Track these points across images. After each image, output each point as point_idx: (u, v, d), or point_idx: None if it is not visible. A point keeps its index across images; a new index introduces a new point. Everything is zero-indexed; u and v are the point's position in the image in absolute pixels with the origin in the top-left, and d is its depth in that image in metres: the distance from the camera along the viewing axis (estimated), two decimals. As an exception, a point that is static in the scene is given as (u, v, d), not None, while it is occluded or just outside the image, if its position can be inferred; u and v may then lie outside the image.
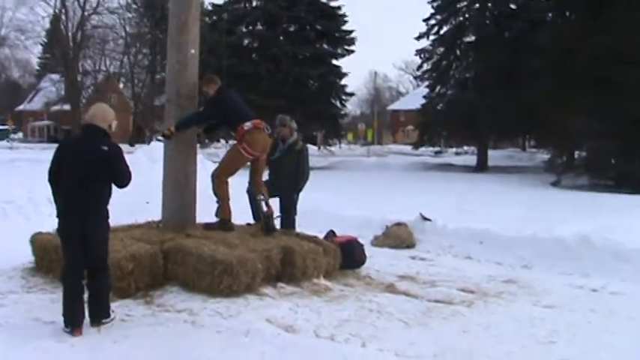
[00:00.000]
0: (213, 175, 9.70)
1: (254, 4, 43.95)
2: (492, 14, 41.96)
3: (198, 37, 9.77)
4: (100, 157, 6.51)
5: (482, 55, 39.86)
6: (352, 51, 43.73)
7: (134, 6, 69.64)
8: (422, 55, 44.83)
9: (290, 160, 10.88)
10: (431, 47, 44.08)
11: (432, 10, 43.48)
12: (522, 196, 22.02)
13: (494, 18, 41.65)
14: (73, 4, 64.50)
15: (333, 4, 43.57)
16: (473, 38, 42.62)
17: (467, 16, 42.82)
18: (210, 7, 44.26)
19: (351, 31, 43.51)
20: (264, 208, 9.80)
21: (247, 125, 9.39)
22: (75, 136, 6.82)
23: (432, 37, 43.66)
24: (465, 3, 42.78)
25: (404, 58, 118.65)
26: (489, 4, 42.06)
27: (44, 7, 63.83)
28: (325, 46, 43.74)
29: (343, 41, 43.66)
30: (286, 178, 10.83)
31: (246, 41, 43.53)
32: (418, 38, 43.98)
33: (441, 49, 43.76)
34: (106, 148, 6.56)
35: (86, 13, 64.03)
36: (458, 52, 43.37)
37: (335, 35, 43.40)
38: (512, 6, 41.71)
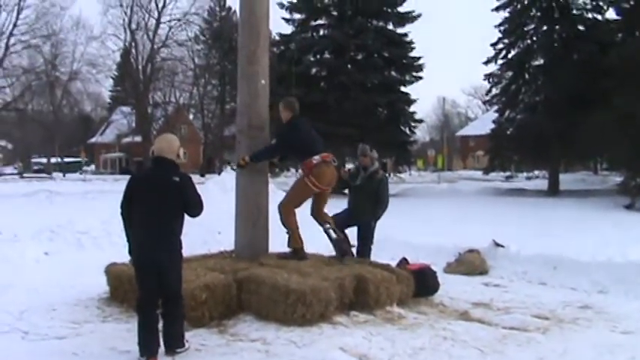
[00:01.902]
0: (280, 206, 9.68)
1: (321, 32, 44.21)
2: (560, 36, 41.55)
3: (268, 67, 9.82)
4: (172, 189, 6.58)
5: (551, 78, 39.41)
6: (420, 77, 43.66)
7: (202, 38, 70.83)
8: (490, 80, 44.54)
9: (370, 188, 10.92)
10: (499, 71, 43.76)
11: (500, 34, 43.28)
12: (596, 220, 21.62)
13: (562, 40, 41.22)
14: (143, 38, 65.83)
15: (400, 31, 43.65)
16: (541, 61, 42.21)
17: (534, 39, 42.48)
18: (277, 37, 44.61)
19: (418, 58, 43.46)
20: (334, 235, 9.76)
21: (316, 159, 9.40)
22: (145, 169, 6.88)
23: (500, 62, 43.37)
24: (533, 26, 42.51)
25: (472, 83, 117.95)
26: (557, 27, 41.68)
27: (115, 42, 65.23)
28: (393, 73, 43.74)
29: (411, 68, 43.62)
30: (366, 206, 10.88)
31: (314, 70, 43.74)
32: (486, 63, 43.74)
33: (510, 73, 43.39)
34: (177, 179, 6.63)
35: (155, 47, 65.19)
36: (526, 75, 42.97)
37: (403, 62, 43.40)
38: (581, 27, 41.24)
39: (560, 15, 41.25)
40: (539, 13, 42.11)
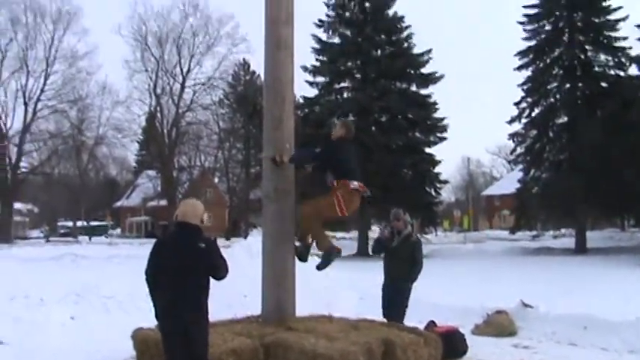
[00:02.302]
0: (301, 210, 9.45)
1: (345, 95, 44.55)
2: (583, 94, 41.68)
3: (293, 131, 9.86)
4: (197, 255, 6.57)
5: (575, 136, 39.44)
6: (445, 138, 43.84)
7: (227, 102, 71.41)
8: (515, 139, 44.59)
9: (405, 251, 10.89)
10: (523, 130, 43.83)
11: (523, 93, 43.44)
12: (625, 278, 21.44)
13: (585, 97, 41.33)
14: (168, 103, 66.51)
15: (423, 92, 43.93)
16: (565, 119, 42.29)
17: (557, 97, 42.61)
18: (302, 100, 44.95)
19: (442, 119, 43.71)
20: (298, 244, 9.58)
21: (354, 184, 9.16)
22: (170, 234, 6.85)
23: (523, 120, 43.51)
24: (556, 84, 42.68)
25: (496, 142, 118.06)
26: (580, 84, 41.83)
27: (140, 106, 65.75)
28: (417, 134, 43.96)
29: (435, 129, 43.82)
30: (402, 269, 10.83)
31: (338, 133, 43.91)
32: (510, 122, 43.85)
33: (534, 132, 43.45)
34: (202, 245, 6.61)
35: (180, 111, 65.82)
36: (551, 133, 43.02)
37: (427, 123, 43.62)
38: (603, 84, 41.38)
39: (583, 72, 41.45)
40: (561, 72, 42.34)
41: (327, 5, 44.96)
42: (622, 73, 41.52)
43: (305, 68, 43.56)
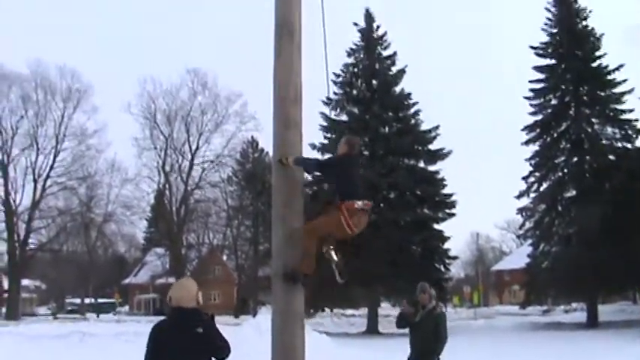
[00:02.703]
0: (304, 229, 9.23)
1: (354, 172, 44.63)
2: (591, 167, 41.79)
3: (302, 210, 9.84)
4: (195, 341, 6.48)
5: (584, 209, 39.33)
6: (453, 214, 43.77)
7: (235, 179, 71.62)
8: (523, 214, 44.58)
9: (429, 324, 10.96)
10: (532, 205, 43.81)
11: (531, 168, 43.52)
12: (636, 352, 21.16)
13: (593, 170, 41.43)
14: (177, 180, 66.81)
15: (431, 168, 44.04)
16: (573, 192, 42.29)
17: (565, 170, 42.70)
18: (310, 178, 45.02)
19: (450, 195, 43.73)
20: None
21: (359, 204, 8.89)
22: (166, 322, 6.67)
23: (532, 195, 43.52)
24: (563, 158, 42.83)
25: (505, 217, 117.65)
26: (587, 157, 41.94)
27: (149, 184, 66.12)
28: (426, 210, 43.93)
29: (444, 205, 43.81)
30: (426, 342, 10.90)
31: (347, 210, 43.90)
32: (518, 197, 43.86)
33: (542, 206, 43.43)
34: (200, 330, 6.48)
35: (189, 188, 66.09)
36: (559, 207, 43.01)
37: (435, 199, 43.66)
38: (611, 157, 41.47)
39: (590, 146, 41.65)
40: (568, 145, 42.55)
41: (335, 83, 45.30)
42: (629, 146, 41.68)
43: (313, 146, 43.80)
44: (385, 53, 46.23)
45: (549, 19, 44.68)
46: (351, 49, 45.76)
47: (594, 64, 43.21)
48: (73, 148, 64.95)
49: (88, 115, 64.88)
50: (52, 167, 63.39)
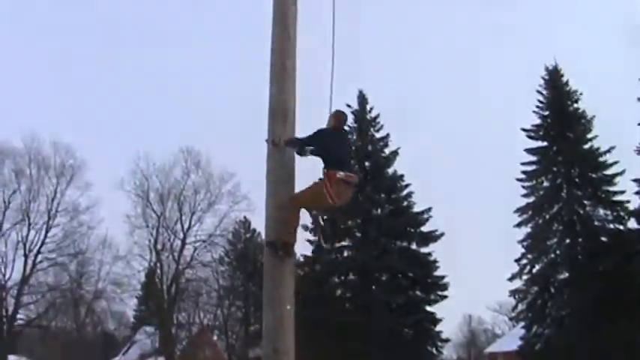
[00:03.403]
0: (290, 200, 9.55)
1: (345, 254, 44.52)
2: (584, 249, 41.72)
3: (293, 292, 9.78)
4: None
5: (577, 291, 39.24)
6: (445, 296, 43.56)
7: (227, 259, 71.34)
8: (516, 296, 44.35)
9: None
10: (524, 287, 43.62)
11: (523, 250, 43.46)
12: None
13: (585, 252, 41.34)
14: (168, 258, 66.33)
15: (423, 250, 43.95)
16: (566, 275, 42.14)
17: (558, 252, 42.62)
18: (302, 259, 44.83)
19: (442, 277, 43.57)
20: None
21: (341, 174, 9.38)
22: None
23: (524, 277, 43.35)
24: (556, 240, 42.81)
25: (497, 298, 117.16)
26: (580, 239, 41.93)
27: (140, 261, 65.60)
28: (418, 292, 43.73)
29: (436, 287, 43.63)
30: None
31: (339, 291, 43.74)
32: (511, 279, 43.66)
33: (535, 288, 43.24)
34: None
35: (180, 267, 65.60)
36: (552, 289, 42.81)
37: (427, 281, 43.50)
38: (604, 239, 41.48)
39: (583, 227, 41.72)
40: (561, 227, 42.63)
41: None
42: (622, 227, 41.74)
43: (306, 227, 43.61)
44: (378, 135, 46.61)
45: (540, 102, 45.17)
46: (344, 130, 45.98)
47: (586, 146, 43.57)
48: (64, 224, 64.55)
49: (80, 192, 64.64)
50: (43, 243, 62.86)
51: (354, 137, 45.95)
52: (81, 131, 73.34)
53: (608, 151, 42.57)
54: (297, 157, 9.91)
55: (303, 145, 9.80)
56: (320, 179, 9.64)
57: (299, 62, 10.17)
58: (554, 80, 45.46)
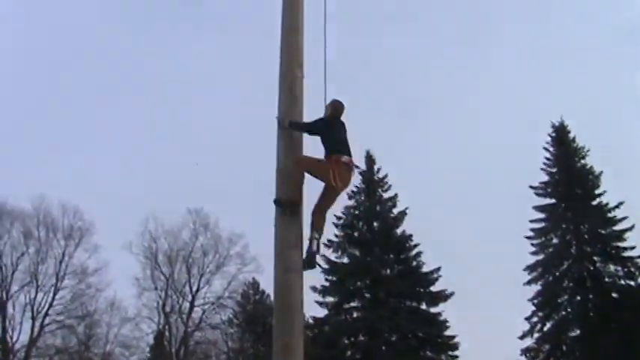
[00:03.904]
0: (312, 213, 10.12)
1: (355, 315, 44.23)
2: (595, 305, 41.41)
3: (302, 356, 9.72)
4: None
5: (589, 349, 38.86)
6: (456, 357, 43.06)
7: (236, 321, 70.90)
8: (527, 355, 43.85)
9: None
10: (536, 345, 43.20)
11: (534, 307, 43.17)
12: None
13: (597, 309, 41.04)
14: (177, 321, 66.03)
15: (433, 310, 43.60)
16: (578, 332, 41.81)
17: (569, 310, 42.35)
18: (311, 321, 44.45)
19: (453, 337, 43.12)
20: (314, 248, 9.95)
21: (345, 158, 10.16)
22: None
23: (535, 335, 42.98)
24: (566, 297, 42.55)
25: (509, 358, 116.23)
26: (591, 296, 41.65)
27: (148, 324, 65.30)
28: (428, 353, 43.21)
29: (446, 347, 43.11)
30: None
31: (349, 353, 43.36)
32: (522, 337, 43.26)
33: (547, 347, 42.86)
34: None
35: (189, 330, 65.26)
36: (564, 347, 42.45)
37: (437, 341, 43.03)
38: (615, 295, 41.20)
39: (593, 284, 41.54)
40: (571, 284, 42.43)
41: (336, 225, 45.37)
42: (633, 283, 41.51)
43: (314, 289, 43.30)
44: (386, 195, 46.53)
45: (548, 159, 45.36)
46: (352, 191, 46.00)
47: (594, 202, 43.58)
48: (72, 286, 64.30)
49: (89, 254, 64.57)
50: (51, 305, 62.55)
51: (362, 198, 45.96)
52: (89, 193, 73.38)
53: (617, 206, 42.57)
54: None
55: (305, 130, 10.39)
56: (327, 162, 10.20)
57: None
58: (560, 137, 45.68)
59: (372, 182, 46.48)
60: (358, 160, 34.68)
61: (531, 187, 45.07)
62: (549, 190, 44.89)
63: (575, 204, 43.19)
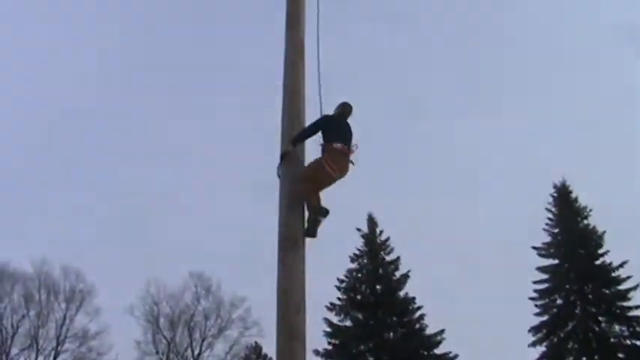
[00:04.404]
0: (297, 185, 10.06)
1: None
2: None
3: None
4: None
5: None
6: None
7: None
8: None
9: None
10: None
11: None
12: None
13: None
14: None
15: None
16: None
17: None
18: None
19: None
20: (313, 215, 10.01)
21: (337, 145, 10.29)
22: None
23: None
24: (572, 358, 42.25)
25: None
26: (596, 357, 41.30)
27: None
28: None
29: None
30: None
31: None
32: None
33: None
34: None
35: None
36: None
37: None
38: (621, 355, 40.86)
39: (598, 345, 41.34)
40: (576, 345, 42.08)
41: (339, 289, 45.30)
42: (638, 343, 41.15)
43: (317, 352, 42.99)
44: (388, 258, 46.45)
45: (550, 219, 45.38)
46: (355, 254, 46.15)
47: (598, 262, 43.46)
48: (73, 350, 64.01)
49: (90, 317, 64.47)
50: (51, 369, 62.44)
51: (365, 261, 45.89)
52: (91, 256, 73.34)
53: (621, 265, 42.44)
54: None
55: (310, 134, 10.51)
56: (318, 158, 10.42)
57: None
58: (563, 197, 45.75)
59: (375, 245, 46.47)
60: (360, 223, 34.86)
61: (534, 247, 45.01)
62: (552, 250, 44.80)
63: (579, 264, 43.06)
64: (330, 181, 10.36)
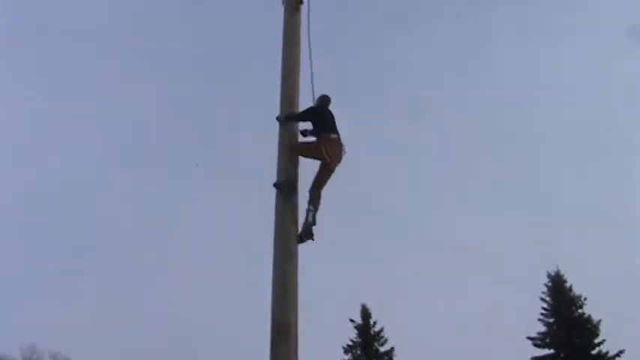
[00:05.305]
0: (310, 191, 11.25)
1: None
2: None
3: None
4: None
5: None
6: None
7: None
8: None
9: None
10: None
11: None
12: None
13: None
14: None
15: None
16: None
17: None
18: None
19: None
20: (310, 219, 10.95)
21: (333, 136, 11.57)
22: None
23: None
24: None
25: None
26: None
27: None
28: None
29: None
30: None
31: None
32: None
33: None
34: None
35: None
36: None
37: None
38: None
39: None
40: None
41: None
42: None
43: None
44: (382, 349, 46.04)
45: (545, 309, 45.11)
46: (348, 345, 45.77)
47: (594, 352, 43.13)
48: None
49: None
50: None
51: (359, 352, 45.51)
52: (80, 343, 72.80)
53: (618, 354, 42.20)
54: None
55: (298, 119, 11.69)
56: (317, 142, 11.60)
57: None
58: (557, 286, 45.59)
59: (368, 336, 46.07)
60: (353, 314, 34.79)
61: (529, 337, 44.69)
62: (547, 340, 44.49)
63: (575, 354, 42.73)
64: (329, 172, 11.39)
